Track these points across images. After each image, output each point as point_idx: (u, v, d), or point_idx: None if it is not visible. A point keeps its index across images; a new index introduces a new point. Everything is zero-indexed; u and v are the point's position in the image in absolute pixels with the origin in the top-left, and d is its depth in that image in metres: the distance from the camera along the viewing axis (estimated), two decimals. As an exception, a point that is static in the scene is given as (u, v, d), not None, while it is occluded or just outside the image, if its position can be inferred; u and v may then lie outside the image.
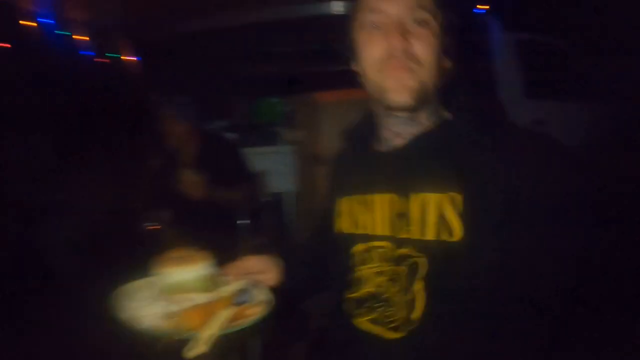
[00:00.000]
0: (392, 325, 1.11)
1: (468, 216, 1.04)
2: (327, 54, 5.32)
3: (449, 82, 1.17)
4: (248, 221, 3.34)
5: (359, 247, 1.20)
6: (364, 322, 1.17)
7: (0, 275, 4.70)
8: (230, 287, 1.17)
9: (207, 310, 1.07)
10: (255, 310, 1.11)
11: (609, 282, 1.16)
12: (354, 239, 1.22)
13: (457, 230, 1.04)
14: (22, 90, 4.90)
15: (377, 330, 1.14)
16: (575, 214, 1.07)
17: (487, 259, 1.03)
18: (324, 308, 1.47)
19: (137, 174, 4.31)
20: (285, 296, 1.25)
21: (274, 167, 3.88)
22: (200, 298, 1.13)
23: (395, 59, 1.08)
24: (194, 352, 0.94)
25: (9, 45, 4.18)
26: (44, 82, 4.90)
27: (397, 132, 1.19)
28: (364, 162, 1.26)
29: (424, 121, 1.16)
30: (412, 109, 1.13)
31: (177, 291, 1.14)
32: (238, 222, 3.30)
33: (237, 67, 6.14)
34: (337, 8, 4.24)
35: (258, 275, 1.31)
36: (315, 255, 1.47)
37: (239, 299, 1.12)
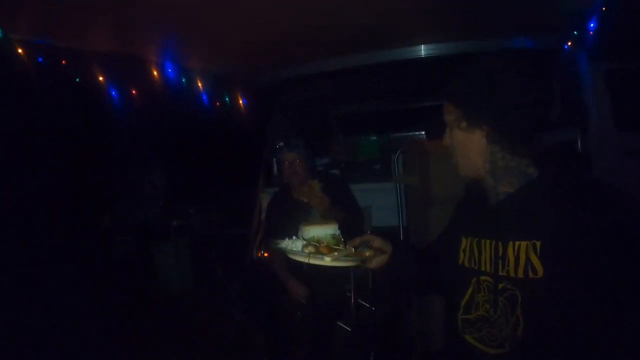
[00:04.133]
0: (494, 343, 1.43)
1: (546, 258, 1.32)
2: (421, 95, 5.51)
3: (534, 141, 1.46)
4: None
5: (474, 279, 1.53)
6: (472, 339, 1.50)
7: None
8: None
9: (333, 250, 1.62)
10: (370, 254, 1.62)
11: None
12: (470, 272, 1.55)
13: (540, 269, 1.33)
14: (147, 131, 5.44)
15: (481, 346, 1.46)
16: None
17: (565, 290, 1.29)
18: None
19: (249, 207, 4.66)
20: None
21: (374, 202, 4.12)
22: (331, 246, 1.69)
23: None
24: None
25: (135, 92, 4.60)
26: (166, 124, 5.41)
27: (494, 193, 1.52)
28: (478, 212, 1.60)
29: (514, 183, 1.47)
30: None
31: (315, 241, 1.70)
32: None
33: (338, 108, 6.51)
34: (429, 51, 4.42)
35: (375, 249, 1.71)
36: (419, 262, 1.82)
37: (360, 248, 1.61)
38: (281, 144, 3.58)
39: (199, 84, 4.64)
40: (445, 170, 2.47)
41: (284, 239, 1.76)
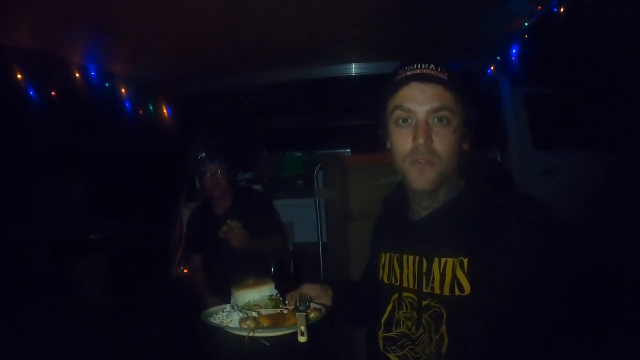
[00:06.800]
0: None
1: (473, 275, 1.28)
2: (348, 113, 5.58)
3: (465, 157, 1.41)
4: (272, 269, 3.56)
5: (395, 296, 1.47)
6: (394, 357, 1.43)
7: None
8: (290, 305, 1.55)
9: (275, 318, 1.46)
10: (315, 315, 1.46)
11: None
12: (391, 288, 1.49)
13: (467, 287, 1.28)
14: (64, 136, 5.13)
15: None
16: (566, 273, 1.25)
17: (492, 307, 1.25)
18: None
19: (170, 221, 4.50)
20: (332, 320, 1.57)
21: (297, 218, 4.11)
22: (269, 311, 1.54)
23: (419, 153, 1.34)
24: (301, 340, 1.34)
25: (54, 94, 4.31)
26: (86, 130, 5.15)
27: (422, 206, 1.45)
28: (398, 227, 1.53)
29: (443, 196, 1.41)
30: (432, 192, 1.39)
31: (252, 307, 1.56)
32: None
33: (263, 123, 6.45)
34: (358, 70, 4.46)
35: (315, 299, 1.59)
36: (361, 293, 1.73)
37: (300, 307, 1.46)
38: (202, 154, 3.52)
39: (123, 90, 4.44)
40: (365, 186, 2.49)
41: (216, 310, 1.57)
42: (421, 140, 1.31)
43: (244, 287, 1.63)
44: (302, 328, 1.33)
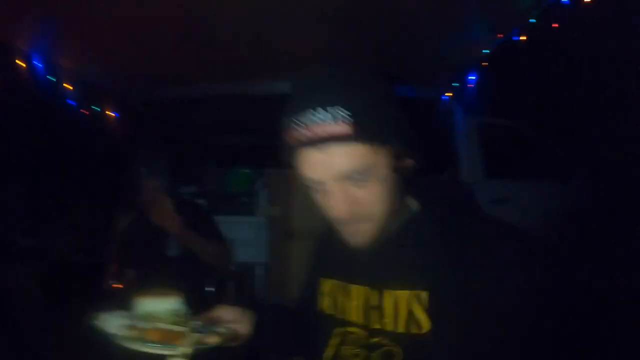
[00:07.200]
0: None
1: (433, 311, 1.11)
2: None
3: (414, 173, 1.20)
4: (213, 289, 3.41)
5: (337, 330, 1.28)
6: None
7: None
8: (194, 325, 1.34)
9: (166, 334, 1.26)
10: (213, 339, 1.26)
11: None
12: (333, 321, 1.30)
13: (425, 324, 1.11)
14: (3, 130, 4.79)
15: None
16: (535, 304, 1.11)
17: (453, 346, 1.09)
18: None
19: (105, 229, 4.25)
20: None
21: (241, 237, 3.97)
22: (166, 325, 1.30)
23: (347, 220, 1.13)
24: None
25: None
26: (25, 125, 4.83)
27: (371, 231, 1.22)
28: (343, 252, 1.27)
29: (392, 224, 1.20)
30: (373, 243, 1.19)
31: (149, 318, 1.32)
32: (205, 288, 3.32)
33: (211, 136, 6.35)
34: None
35: (230, 324, 1.36)
36: (292, 322, 1.54)
37: (200, 330, 1.27)
38: (143, 166, 3.35)
39: (68, 87, 4.14)
40: (309, 204, 2.37)
41: (109, 311, 1.38)
42: (343, 213, 1.11)
43: (146, 295, 1.42)
44: (183, 349, 1.15)
